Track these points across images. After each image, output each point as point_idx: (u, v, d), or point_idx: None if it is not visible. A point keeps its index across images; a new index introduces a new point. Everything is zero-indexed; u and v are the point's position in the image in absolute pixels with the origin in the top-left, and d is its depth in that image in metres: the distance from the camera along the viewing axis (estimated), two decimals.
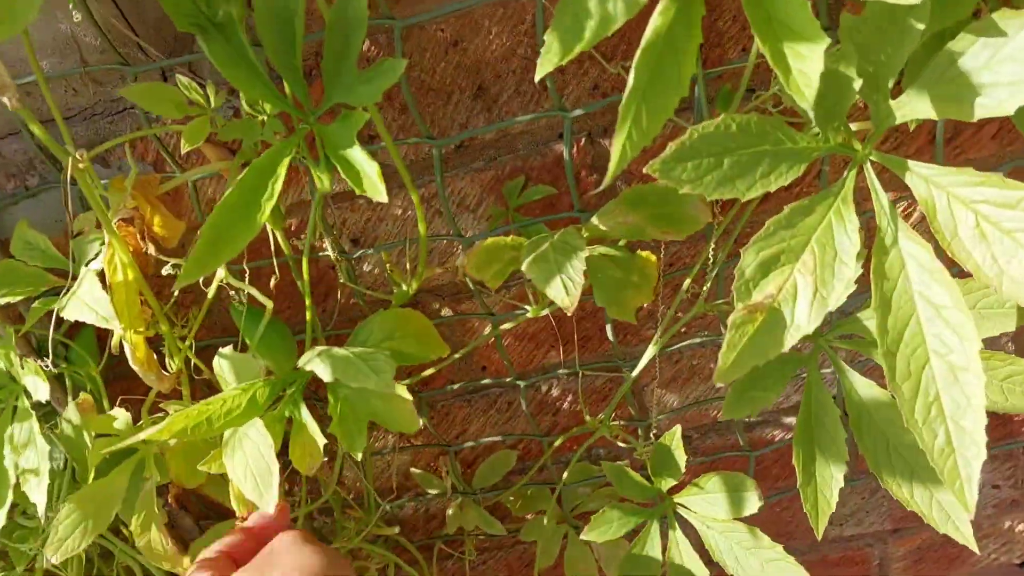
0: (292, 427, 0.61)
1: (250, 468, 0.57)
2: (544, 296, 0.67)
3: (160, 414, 0.65)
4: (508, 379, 0.80)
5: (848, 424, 0.57)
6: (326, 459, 0.81)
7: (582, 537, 0.67)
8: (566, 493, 0.84)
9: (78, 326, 0.63)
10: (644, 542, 0.65)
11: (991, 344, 0.62)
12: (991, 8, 0.44)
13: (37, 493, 0.59)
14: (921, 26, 0.44)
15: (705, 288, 0.64)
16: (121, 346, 0.61)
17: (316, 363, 0.56)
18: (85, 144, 0.67)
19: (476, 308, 0.76)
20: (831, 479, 0.56)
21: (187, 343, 0.66)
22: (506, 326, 0.72)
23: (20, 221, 0.65)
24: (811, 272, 0.45)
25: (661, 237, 0.58)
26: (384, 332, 0.64)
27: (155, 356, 0.63)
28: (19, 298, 0.62)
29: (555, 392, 0.83)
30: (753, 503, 0.61)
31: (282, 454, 0.62)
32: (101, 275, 0.58)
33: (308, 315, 0.66)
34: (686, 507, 0.66)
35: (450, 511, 0.86)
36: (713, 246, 0.61)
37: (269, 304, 0.63)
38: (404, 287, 0.68)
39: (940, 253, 0.45)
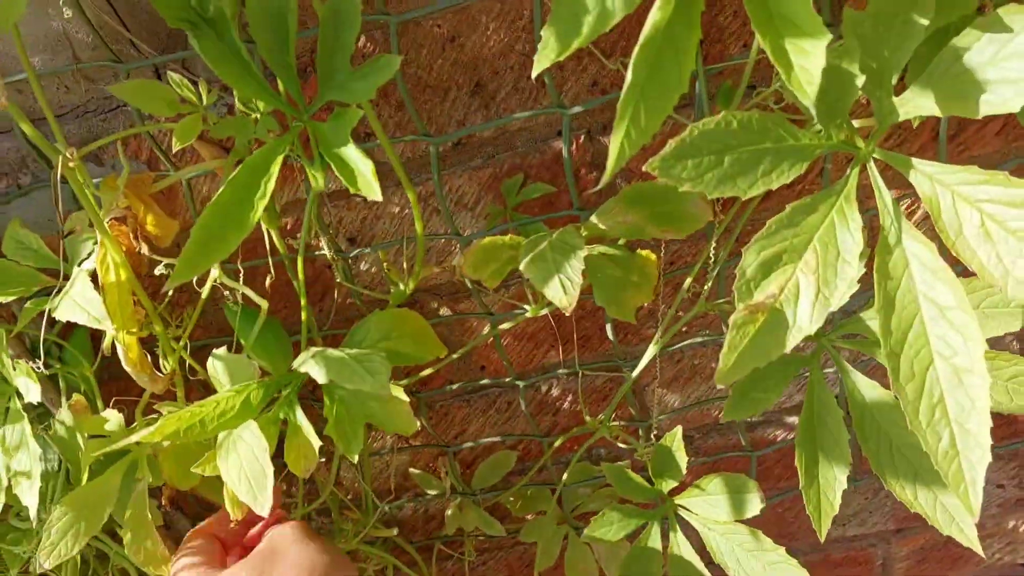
0: (287, 429, 0.60)
1: (244, 471, 0.56)
2: (543, 296, 0.67)
3: (154, 415, 0.65)
4: (507, 379, 0.79)
5: (851, 425, 0.56)
6: (323, 460, 0.81)
7: (583, 539, 0.66)
8: (566, 493, 0.84)
9: (72, 326, 0.62)
10: (645, 544, 0.65)
11: (995, 344, 0.61)
12: (996, 3, 0.43)
13: (29, 496, 0.59)
14: (925, 21, 0.44)
15: (706, 287, 0.63)
16: (114, 347, 0.60)
17: (310, 365, 0.55)
18: (78, 142, 0.66)
19: (475, 307, 0.75)
20: (834, 481, 0.55)
21: (181, 343, 0.65)
22: (505, 326, 0.71)
23: (12, 220, 0.65)
24: (813, 272, 0.44)
25: (661, 236, 0.57)
26: (381, 332, 0.64)
27: (149, 357, 0.63)
28: (11, 298, 0.61)
29: (555, 392, 0.82)
30: (755, 505, 0.61)
31: (278, 455, 0.61)
32: (94, 275, 0.58)
33: (304, 315, 0.65)
34: (687, 509, 0.65)
35: (449, 512, 0.85)
36: (714, 245, 0.60)
37: (264, 304, 0.62)
38: (401, 286, 0.68)
39: (942, 252, 0.44)
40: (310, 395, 0.76)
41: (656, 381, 0.80)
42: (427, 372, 0.73)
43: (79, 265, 0.59)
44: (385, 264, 0.68)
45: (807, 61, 0.40)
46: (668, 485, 0.66)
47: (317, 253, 0.71)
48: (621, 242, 0.62)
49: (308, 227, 0.61)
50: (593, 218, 0.58)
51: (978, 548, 0.52)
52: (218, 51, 0.48)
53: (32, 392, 0.59)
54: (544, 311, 0.67)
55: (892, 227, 0.45)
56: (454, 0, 0.57)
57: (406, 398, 0.59)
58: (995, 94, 0.41)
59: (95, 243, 0.58)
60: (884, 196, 0.46)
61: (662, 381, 0.80)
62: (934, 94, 0.43)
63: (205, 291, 0.62)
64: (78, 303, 0.57)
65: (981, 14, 0.44)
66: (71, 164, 0.50)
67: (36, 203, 0.69)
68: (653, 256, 0.62)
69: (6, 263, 0.63)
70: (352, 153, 0.49)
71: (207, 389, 0.70)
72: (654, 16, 0.40)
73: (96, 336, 0.71)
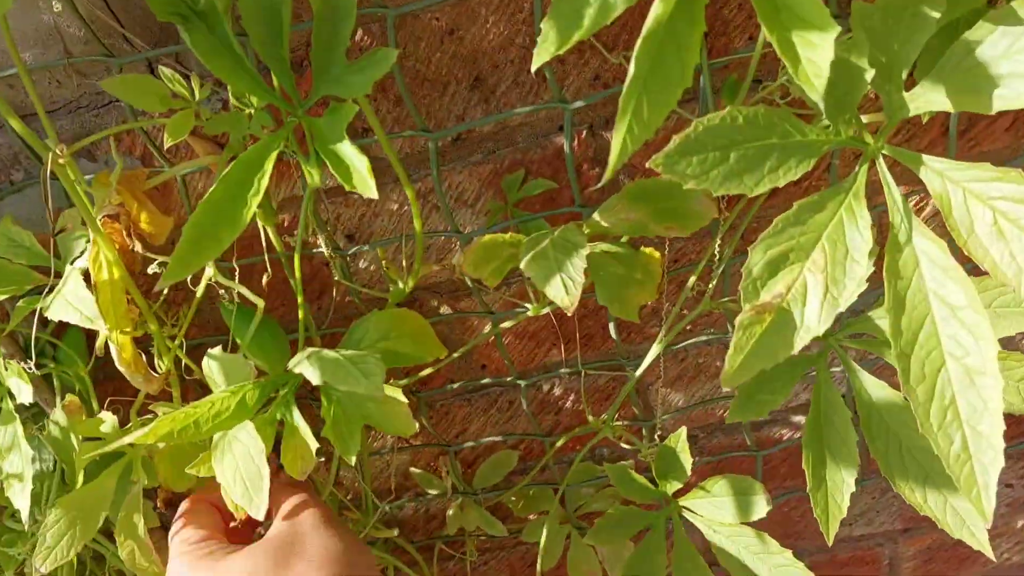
0: (284, 430, 0.59)
1: (240, 472, 0.55)
2: (545, 294, 0.66)
3: (149, 416, 0.64)
4: (509, 378, 0.78)
5: (859, 425, 0.55)
6: (322, 459, 0.80)
7: (585, 541, 0.66)
8: (569, 493, 0.83)
9: (66, 325, 0.61)
10: (649, 546, 0.64)
11: (1007, 344, 0.60)
12: None
13: (21, 499, 0.58)
14: (936, 14, 0.42)
15: (711, 285, 0.62)
16: (108, 346, 0.59)
17: (305, 366, 0.54)
18: (70, 138, 0.65)
19: (475, 306, 0.74)
20: (842, 483, 0.54)
21: (177, 343, 0.64)
22: (506, 324, 0.70)
23: (4, 217, 0.64)
24: (822, 271, 0.43)
25: (665, 233, 0.56)
26: (380, 332, 0.63)
27: (143, 357, 0.62)
28: (3, 297, 0.60)
29: (557, 391, 0.81)
30: (761, 507, 0.60)
31: (276, 455, 0.60)
32: (87, 273, 0.57)
33: (300, 314, 0.64)
34: (692, 511, 0.64)
35: (451, 512, 0.85)
36: (719, 242, 0.59)
37: (260, 303, 0.61)
38: (401, 285, 0.67)
39: (952, 250, 0.43)
40: (309, 395, 0.75)
41: (660, 380, 0.79)
42: (427, 371, 0.72)
43: (72, 263, 0.58)
44: (384, 262, 0.67)
45: (815, 54, 0.39)
46: (672, 486, 0.65)
47: (315, 251, 0.70)
48: (624, 239, 0.61)
49: (305, 224, 0.60)
50: (596, 215, 0.57)
51: (989, 552, 0.51)
52: (210, 45, 0.47)
53: (24, 393, 0.58)
54: (546, 310, 0.66)
55: (902, 225, 0.44)
56: None
57: (404, 399, 0.58)
58: (1009, 88, 0.40)
59: (87, 241, 0.57)
60: (894, 193, 0.44)
61: (666, 380, 0.79)
62: (946, 88, 0.42)
63: (200, 290, 0.61)
64: (70, 302, 0.56)
65: (992, 7, 0.43)
66: (61, 160, 0.49)
67: (29, 200, 0.68)
68: (657, 254, 0.61)
69: None
70: (347, 149, 0.48)
71: (203, 389, 0.69)
72: (657, 8, 0.39)
73: (91, 335, 0.70)
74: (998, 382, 0.41)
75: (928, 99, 0.43)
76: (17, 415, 0.60)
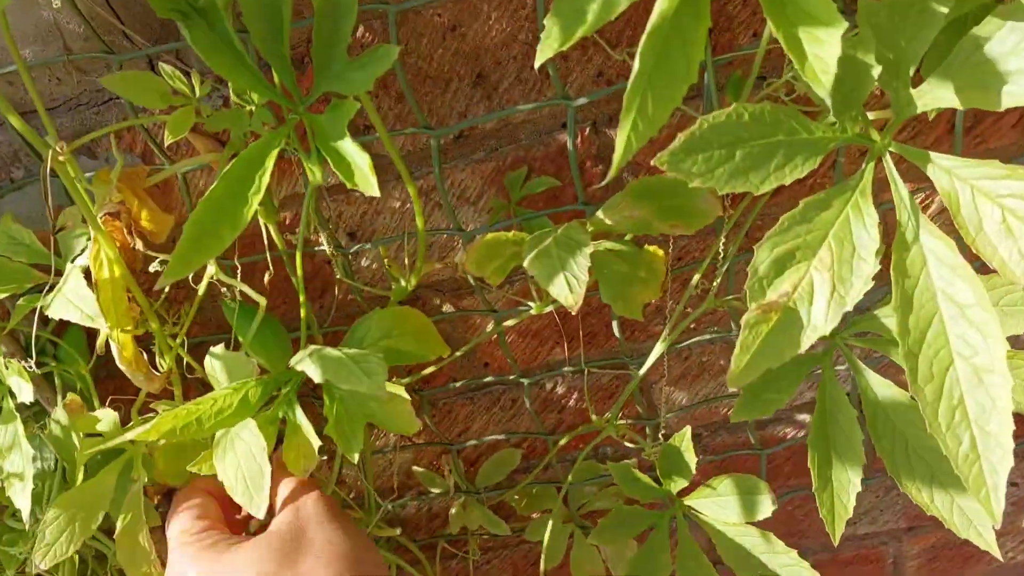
0: (287, 428, 0.59)
1: (241, 470, 0.55)
2: (548, 293, 0.65)
3: (150, 415, 0.63)
4: (512, 376, 0.77)
5: (864, 424, 0.55)
6: (325, 458, 0.79)
7: (589, 540, 0.65)
8: (572, 492, 0.82)
9: (67, 323, 0.61)
10: (653, 545, 0.63)
11: (1015, 342, 0.59)
12: None
13: (21, 498, 0.58)
14: (944, 9, 0.42)
15: (715, 283, 0.62)
16: (108, 345, 0.58)
17: (307, 364, 0.54)
18: (70, 135, 0.64)
19: (478, 304, 0.74)
20: (848, 483, 0.54)
21: (178, 341, 0.63)
22: (509, 323, 0.70)
23: (4, 215, 0.63)
24: (828, 269, 0.43)
25: (669, 231, 0.56)
26: (382, 330, 0.62)
27: (144, 355, 0.61)
28: (3, 295, 0.60)
29: (560, 389, 0.80)
30: (767, 507, 0.59)
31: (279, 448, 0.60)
32: (87, 271, 0.56)
33: (303, 312, 0.64)
34: (696, 510, 0.64)
35: (453, 510, 0.84)
36: (723, 240, 0.59)
37: (262, 301, 0.61)
38: (403, 283, 0.66)
39: (960, 248, 0.43)
40: (311, 393, 0.75)
41: (663, 379, 0.79)
42: (430, 370, 0.72)
43: (72, 261, 0.57)
44: (386, 260, 0.67)
45: (822, 50, 0.39)
46: (677, 485, 0.64)
47: (316, 249, 0.69)
48: (628, 237, 0.60)
49: (307, 222, 0.60)
50: (599, 213, 0.56)
51: (996, 552, 0.51)
52: (210, 41, 0.46)
53: (24, 392, 0.58)
54: (549, 308, 0.65)
55: (909, 223, 0.43)
56: None
57: (407, 397, 0.57)
58: (1017, 85, 0.39)
59: (88, 239, 0.57)
60: (901, 191, 0.44)
61: (669, 379, 0.79)
62: (953, 85, 0.42)
63: (202, 288, 0.61)
64: (71, 300, 0.55)
65: (1001, 3, 0.43)
66: (61, 158, 0.49)
67: (29, 197, 0.68)
68: (661, 252, 0.60)
69: None
70: (349, 147, 0.47)
71: (205, 387, 0.69)
72: (661, 4, 0.38)
73: (92, 333, 0.70)
74: (1007, 381, 0.40)
75: (936, 96, 0.43)
76: (18, 414, 0.59)
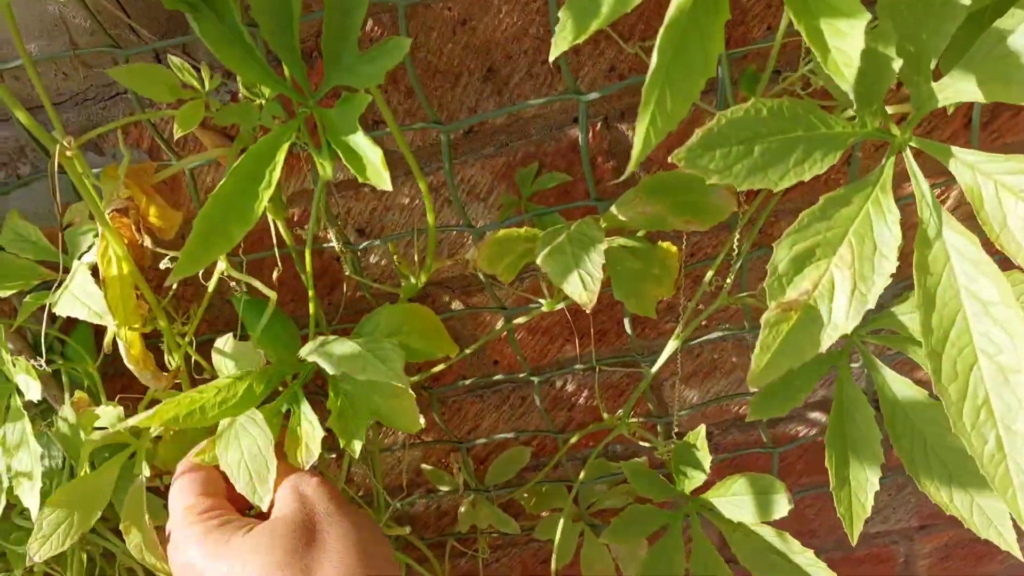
0: (291, 418, 0.58)
1: (245, 462, 0.54)
2: (559, 289, 0.65)
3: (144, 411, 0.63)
4: (522, 374, 0.77)
5: (881, 423, 0.54)
6: (334, 456, 0.79)
7: (601, 539, 0.65)
8: (582, 490, 0.82)
9: (74, 321, 0.61)
10: (667, 545, 0.63)
11: None
12: None
13: (30, 497, 0.57)
14: (967, 2, 0.41)
15: (728, 280, 0.61)
16: (115, 344, 0.58)
17: (318, 355, 0.53)
18: (77, 130, 0.64)
19: (488, 301, 0.73)
20: (866, 482, 0.53)
21: (187, 339, 0.63)
22: (519, 320, 0.69)
23: (11, 212, 0.63)
24: (849, 266, 0.42)
25: (684, 227, 0.55)
26: (391, 326, 0.62)
27: (151, 354, 0.61)
28: (10, 292, 0.59)
29: (570, 387, 0.80)
30: (782, 506, 0.59)
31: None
32: (95, 268, 0.56)
33: (312, 308, 0.63)
34: (710, 509, 0.63)
35: (463, 509, 0.84)
36: (738, 236, 0.58)
37: (273, 295, 0.60)
38: (412, 280, 0.65)
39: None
40: (318, 389, 0.74)
41: (674, 376, 0.78)
42: (439, 368, 0.71)
43: (79, 258, 0.57)
44: (395, 257, 0.66)
45: (844, 43, 0.38)
46: (691, 484, 0.64)
47: (325, 245, 0.69)
48: (641, 234, 0.60)
49: (316, 218, 0.59)
50: (613, 209, 0.56)
51: (1018, 552, 0.50)
52: (219, 34, 0.46)
53: (32, 390, 0.57)
54: (560, 305, 0.65)
55: (931, 219, 0.43)
56: None
57: (412, 393, 0.56)
58: None
59: (96, 235, 0.56)
60: (922, 186, 0.43)
61: (681, 376, 0.78)
62: (976, 78, 0.41)
63: (212, 284, 0.60)
64: (78, 298, 0.55)
65: None
66: (69, 153, 0.48)
67: (36, 194, 0.67)
68: (674, 248, 0.59)
69: (5, 256, 0.62)
70: (361, 140, 0.47)
71: None
72: None
73: (99, 331, 0.69)
74: None
75: (957, 89, 0.42)
76: (26, 412, 0.59)
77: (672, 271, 0.60)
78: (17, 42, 0.50)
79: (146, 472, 0.59)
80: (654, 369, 0.64)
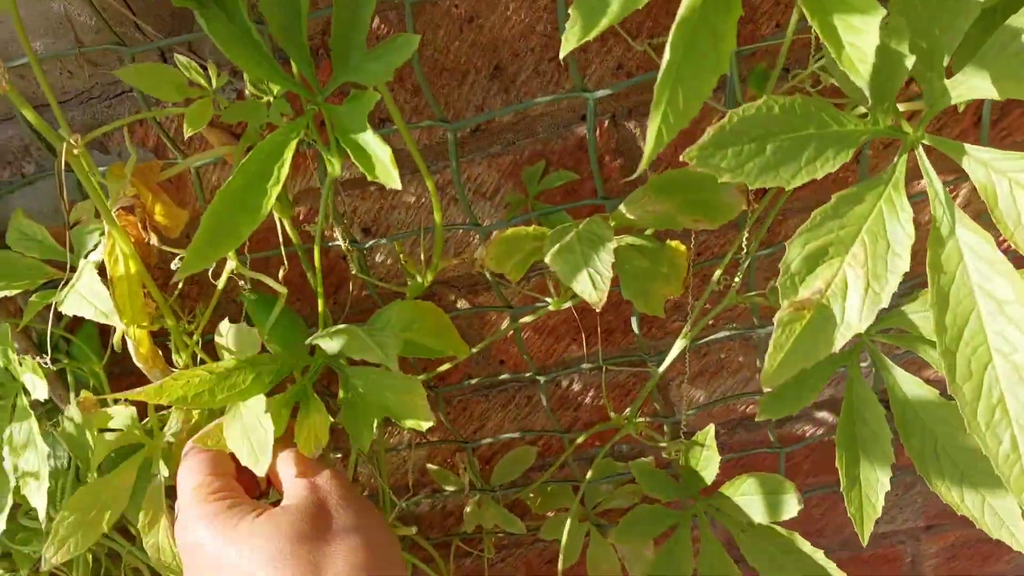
0: (300, 409, 0.58)
1: (246, 432, 0.54)
2: (566, 288, 0.64)
3: (165, 413, 0.63)
4: (528, 374, 0.76)
5: (891, 423, 0.54)
6: (340, 456, 0.78)
7: (610, 540, 0.64)
8: (588, 490, 0.81)
9: (80, 320, 0.60)
10: (675, 545, 0.62)
11: None
12: None
13: (37, 496, 0.57)
14: None
15: (737, 279, 0.61)
16: (124, 342, 0.58)
17: (322, 338, 0.53)
18: (82, 129, 0.63)
19: (493, 300, 0.73)
20: (876, 482, 0.52)
21: (195, 339, 0.62)
22: (525, 319, 0.69)
23: (16, 210, 0.62)
24: (862, 265, 0.42)
25: (693, 226, 0.54)
26: (402, 322, 0.61)
27: (159, 352, 0.60)
28: (16, 291, 0.59)
29: (576, 387, 0.79)
30: (792, 506, 0.58)
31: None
32: (101, 267, 0.55)
33: (320, 305, 0.63)
34: (719, 509, 0.63)
35: (468, 508, 0.83)
36: (747, 235, 0.58)
37: (283, 291, 0.60)
38: (419, 278, 0.65)
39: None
40: (325, 390, 0.74)
41: (680, 376, 0.78)
42: (445, 367, 0.71)
43: (85, 257, 0.56)
44: (402, 256, 0.66)
45: (858, 39, 0.38)
46: (700, 484, 0.63)
47: (331, 244, 0.68)
48: (649, 232, 0.59)
49: (325, 215, 0.58)
50: (621, 208, 0.55)
51: None
52: (228, 32, 0.45)
53: (39, 389, 0.57)
54: (567, 304, 0.64)
55: (944, 217, 0.42)
56: None
57: (423, 390, 0.56)
58: None
59: (101, 234, 0.56)
60: (935, 184, 0.43)
61: (688, 376, 0.78)
62: (991, 75, 0.41)
63: (221, 282, 0.60)
64: (85, 297, 0.54)
65: None
66: (76, 151, 0.48)
67: (41, 192, 0.67)
68: (683, 247, 0.59)
69: (11, 255, 0.61)
70: (370, 139, 0.46)
71: None
72: None
73: (105, 330, 0.69)
74: None
75: (971, 86, 0.42)
76: (32, 411, 0.58)
77: (680, 270, 0.59)
78: (23, 40, 0.49)
79: (164, 472, 0.59)
80: (662, 368, 0.64)
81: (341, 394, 0.58)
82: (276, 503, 0.56)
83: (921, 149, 0.44)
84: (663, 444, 0.71)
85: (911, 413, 0.53)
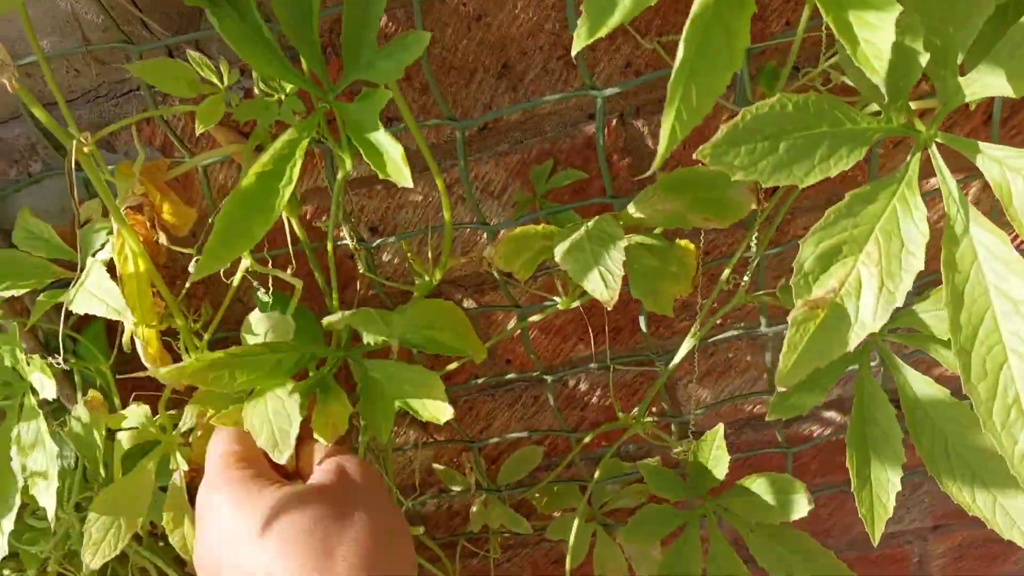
0: (318, 396, 0.58)
1: (269, 418, 0.53)
2: (574, 287, 0.64)
3: (175, 412, 0.62)
4: (534, 373, 0.76)
5: (902, 422, 0.54)
6: None
7: (619, 540, 0.64)
8: (594, 490, 0.81)
9: (86, 319, 0.60)
10: (684, 545, 0.62)
11: None
12: None
13: (46, 497, 0.56)
14: None
15: (745, 278, 0.61)
16: (132, 342, 0.57)
17: (335, 318, 0.54)
18: (89, 127, 0.63)
19: (500, 299, 0.72)
20: (887, 482, 0.52)
21: (204, 340, 0.62)
22: (533, 318, 0.69)
23: (22, 209, 0.62)
24: (876, 264, 0.41)
25: (703, 225, 0.54)
26: (426, 319, 0.60)
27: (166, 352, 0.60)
28: (23, 291, 0.59)
29: (583, 386, 0.79)
30: (802, 506, 0.58)
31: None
32: (109, 266, 0.55)
33: (334, 301, 0.63)
34: (728, 509, 0.62)
35: (475, 508, 0.83)
36: (756, 234, 0.57)
37: (298, 284, 0.60)
38: (427, 277, 0.65)
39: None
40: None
41: (688, 376, 0.78)
42: (452, 366, 0.71)
43: (93, 256, 0.56)
44: (409, 255, 0.66)
45: (874, 35, 0.37)
46: (708, 484, 0.63)
47: (338, 243, 0.68)
48: (657, 231, 0.59)
49: (337, 213, 0.58)
50: (631, 207, 0.55)
51: None
52: (240, 31, 0.45)
53: (47, 388, 0.56)
54: (575, 303, 0.64)
55: (958, 216, 0.42)
56: None
57: (441, 383, 0.56)
58: None
59: (109, 233, 0.56)
60: (949, 182, 0.43)
61: (696, 375, 0.77)
62: (1006, 73, 0.41)
63: (236, 280, 0.60)
64: (95, 294, 0.54)
65: None
66: (86, 149, 0.48)
67: (47, 191, 0.67)
68: (692, 246, 0.59)
69: (18, 254, 0.61)
70: (382, 137, 0.46)
71: None
72: None
73: (112, 329, 0.69)
74: None
75: (985, 84, 0.41)
76: (40, 411, 0.58)
77: (690, 269, 0.59)
78: (31, 38, 0.49)
79: (183, 466, 0.59)
80: (670, 367, 0.64)
81: (359, 387, 0.58)
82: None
83: (935, 147, 0.44)
84: (671, 444, 0.71)
85: (921, 412, 0.53)
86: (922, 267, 0.41)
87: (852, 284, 0.41)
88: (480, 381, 0.78)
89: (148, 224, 0.57)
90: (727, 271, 0.60)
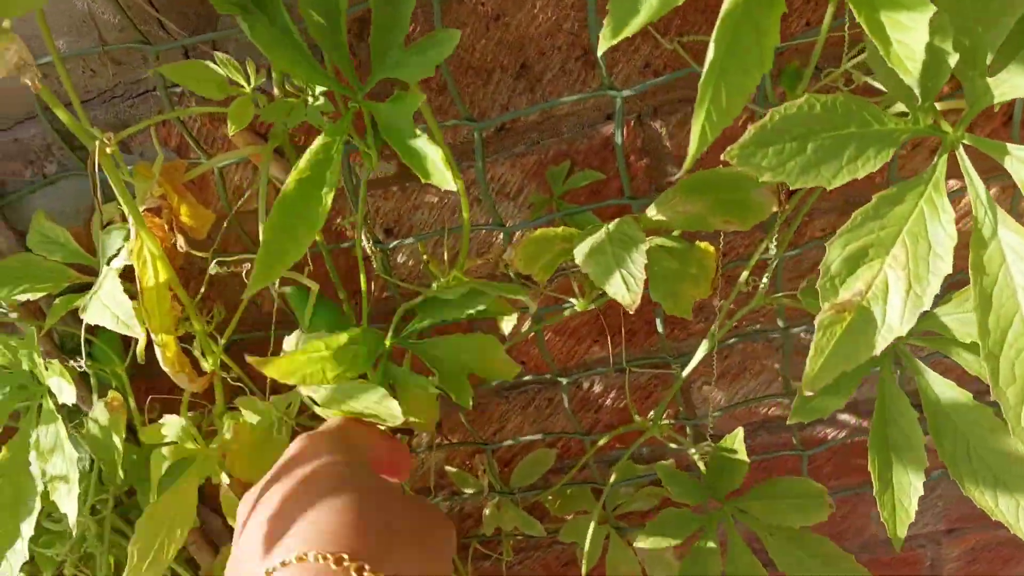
0: (398, 387, 0.58)
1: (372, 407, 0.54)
2: (591, 289, 0.64)
3: (193, 413, 0.62)
4: (548, 375, 0.76)
5: (923, 426, 0.53)
6: None
7: (636, 543, 0.64)
8: (608, 493, 0.81)
9: None
10: (703, 548, 0.62)
11: None
12: None
13: (67, 502, 0.55)
14: None
15: (764, 280, 0.60)
16: (145, 352, 0.57)
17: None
18: (105, 128, 0.63)
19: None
20: (910, 486, 0.52)
21: (222, 344, 0.62)
22: (549, 321, 0.68)
23: (37, 212, 0.62)
24: (903, 267, 0.41)
25: (723, 227, 0.54)
26: (467, 361, 0.60)
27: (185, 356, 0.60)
28: (40, 295, 0.58)
29: (596, 389, 0.79)
30: (822, 511, 0.57)
31: None
32: (125, 271, 0.55)
33: (364, 304, 0.62)
34: (747, 513, 0.62)
35: (487, 511, 0.83)
36: (776, 236, 0.57)
37: (314, 287, 0.60)
38: (443, 279, 0.65)
39: None
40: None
41: (703, 378, 0.77)
42: None
43: (108, 263, 0.55)
44: (425, 256, 0.65)
45: (906, 36, 0.37)
46: (727, 487, 0.63)
47: (351, 244, 0.68)
48: (676, 233, 0.59)
49: (363, 212, 0.58)
50: (651, 208, 0.55)
51: None
52: (270, 35, 0.45)
53: (66, 392, 0.56)
54: (592, 305, 0.64)
55: (986, 218, 0.42)
56: None
57: (499, 345, 0.57)
58: None
59: (126, 237, 0.55)
60: (976, 185, 0.42)
61: (710, 378, 0.77)
62: None
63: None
64: (106, 305, 0.53)
65: None
66: (109, 150, 0.47)
67: (62, 192, 0.66)
68: (712, 248, 0.58)
69: (33, 258, 0.61)
70: (422, 143, 0.46)
71: (242, 387, 0.67)
72: None
73: None
74: None
75: (1015, 85, 0.41)
76: (59, 415, 0.58)
77: (709, 271, 0.59)
78: (47, 38, 0.49)
79: (225, 480, 0.58)
80: (687, 370, 0.63)
81: (426, 364, 0.59)
82: None
83: (962, 149, 0.43)
84: (687, 446, 0.70)
85: (943, 416, 0.53)
86: (950, 270, 0.41)
87: (879, 287, 0.41)
88: (494, 383, 0.78)
89: (166, 227, 0.56)
90: (745, 273, 0.59)
